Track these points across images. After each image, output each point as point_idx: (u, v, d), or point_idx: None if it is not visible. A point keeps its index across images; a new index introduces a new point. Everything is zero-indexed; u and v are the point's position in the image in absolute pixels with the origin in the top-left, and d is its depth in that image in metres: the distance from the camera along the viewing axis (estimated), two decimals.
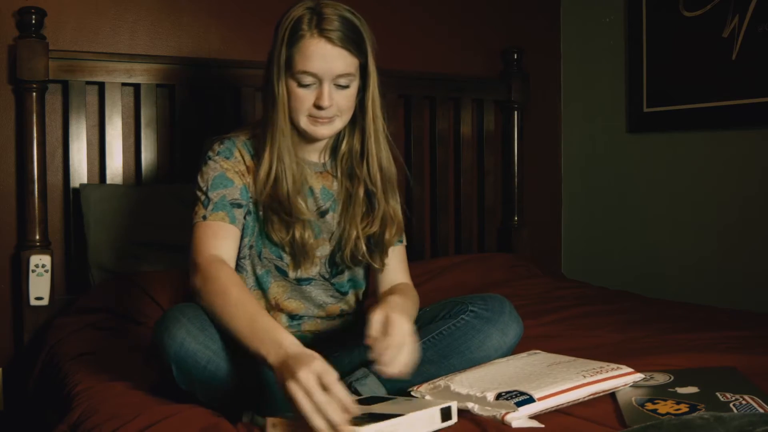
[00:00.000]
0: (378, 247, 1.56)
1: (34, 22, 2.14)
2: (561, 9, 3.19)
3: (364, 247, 1.54)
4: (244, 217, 1.49)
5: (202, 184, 1.48)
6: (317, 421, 1.08)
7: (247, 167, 1.50)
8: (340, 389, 1.10)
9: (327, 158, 1.59)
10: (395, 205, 1.57)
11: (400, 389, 1.37)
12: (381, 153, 1.53)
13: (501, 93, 2.92)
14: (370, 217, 1.54)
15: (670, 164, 2.77)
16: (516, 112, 2.94)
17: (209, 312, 1.31)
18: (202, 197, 1.46)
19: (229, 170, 1.48)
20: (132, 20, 2.40)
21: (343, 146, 1.56)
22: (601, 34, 3.02)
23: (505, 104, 2.94)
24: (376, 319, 1.32)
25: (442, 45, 2.91)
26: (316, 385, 1.09)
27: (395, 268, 1.62)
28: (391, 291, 1.56)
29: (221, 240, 1.42)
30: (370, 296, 1.66)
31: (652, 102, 2.80)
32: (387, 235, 1.55)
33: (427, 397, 1.30)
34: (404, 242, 1.67)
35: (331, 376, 1.11)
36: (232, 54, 2.50)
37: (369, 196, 1.55)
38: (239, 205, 1.47)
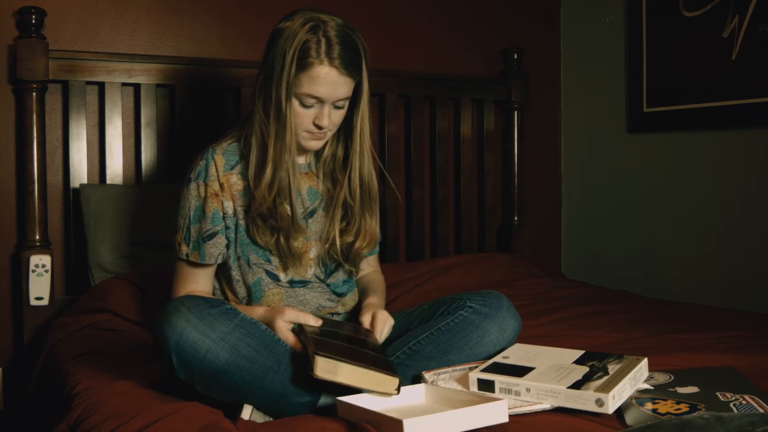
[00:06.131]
0: (349, 253, 1.62)
1: (34, 22, 2.14)
2: (561, 9, 3.19)
3: (339, 249, 1.60)
4: (225, 236, 1.55)
5: (185, 212, 1.56)
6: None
7: (221, 184, 1.54)
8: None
9: (311, 159, 1.64)
10: (370, 221, 1.63)
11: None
12: (364, 168, 1.60)
13: (501, 93, 2.92)
14: (348, 227, 1.61)
15: (670, 164, 2.77)
16: (516, 112, 2.94)
17: None
18: (184, 230, 1.55)
19: (204, 198, 1.54)
20: (132, 20, 2.40)
21: (326, 150, 1.62)
22: (601, 34, 3.02)
23: (505, 104, 2.94)
24: (365, 320, 1.53)
25: (442, 45, 2.91)
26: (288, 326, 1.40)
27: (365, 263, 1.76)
28: (364, 281, 1.73)
29: (198, 284, 1.57)
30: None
31: (652, 102, 2.80)
32: (357, 245, 1.61)
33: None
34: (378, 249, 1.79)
35: (297, 315, 1.41)
36: (232, 54, 2.51)
37: (346, 206, 1.61)
38: (212, 235, 1.54)
